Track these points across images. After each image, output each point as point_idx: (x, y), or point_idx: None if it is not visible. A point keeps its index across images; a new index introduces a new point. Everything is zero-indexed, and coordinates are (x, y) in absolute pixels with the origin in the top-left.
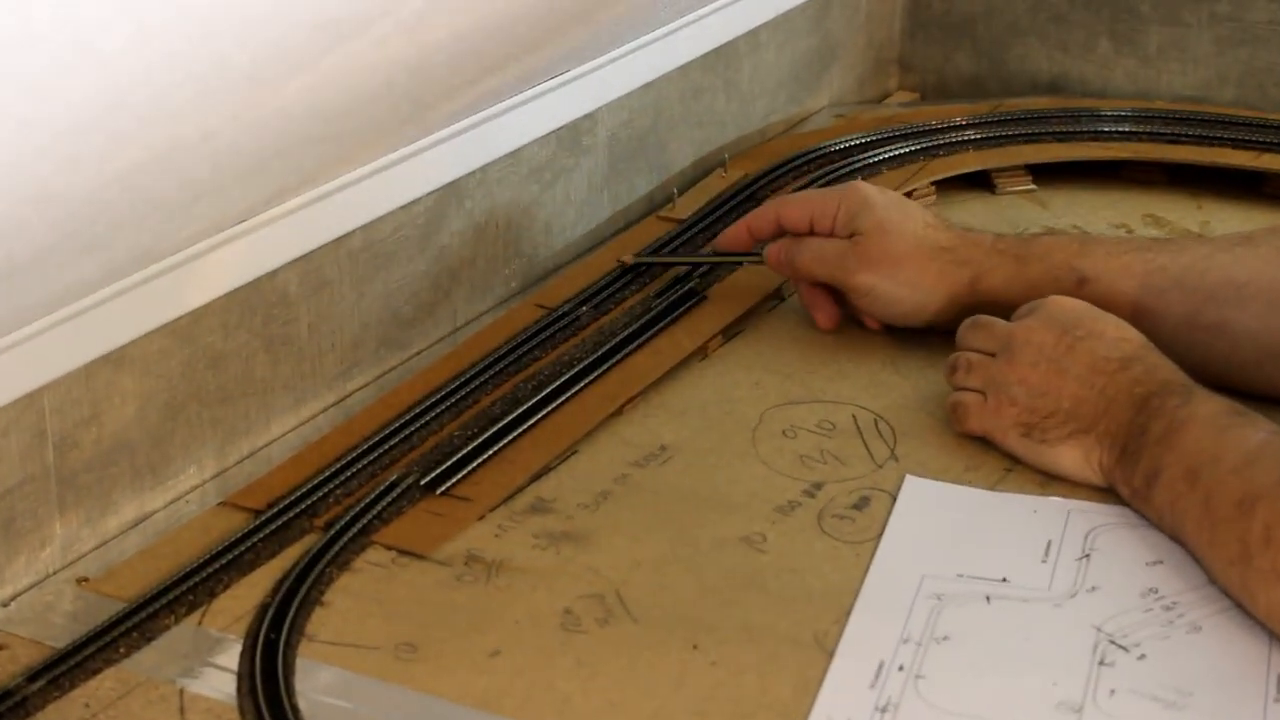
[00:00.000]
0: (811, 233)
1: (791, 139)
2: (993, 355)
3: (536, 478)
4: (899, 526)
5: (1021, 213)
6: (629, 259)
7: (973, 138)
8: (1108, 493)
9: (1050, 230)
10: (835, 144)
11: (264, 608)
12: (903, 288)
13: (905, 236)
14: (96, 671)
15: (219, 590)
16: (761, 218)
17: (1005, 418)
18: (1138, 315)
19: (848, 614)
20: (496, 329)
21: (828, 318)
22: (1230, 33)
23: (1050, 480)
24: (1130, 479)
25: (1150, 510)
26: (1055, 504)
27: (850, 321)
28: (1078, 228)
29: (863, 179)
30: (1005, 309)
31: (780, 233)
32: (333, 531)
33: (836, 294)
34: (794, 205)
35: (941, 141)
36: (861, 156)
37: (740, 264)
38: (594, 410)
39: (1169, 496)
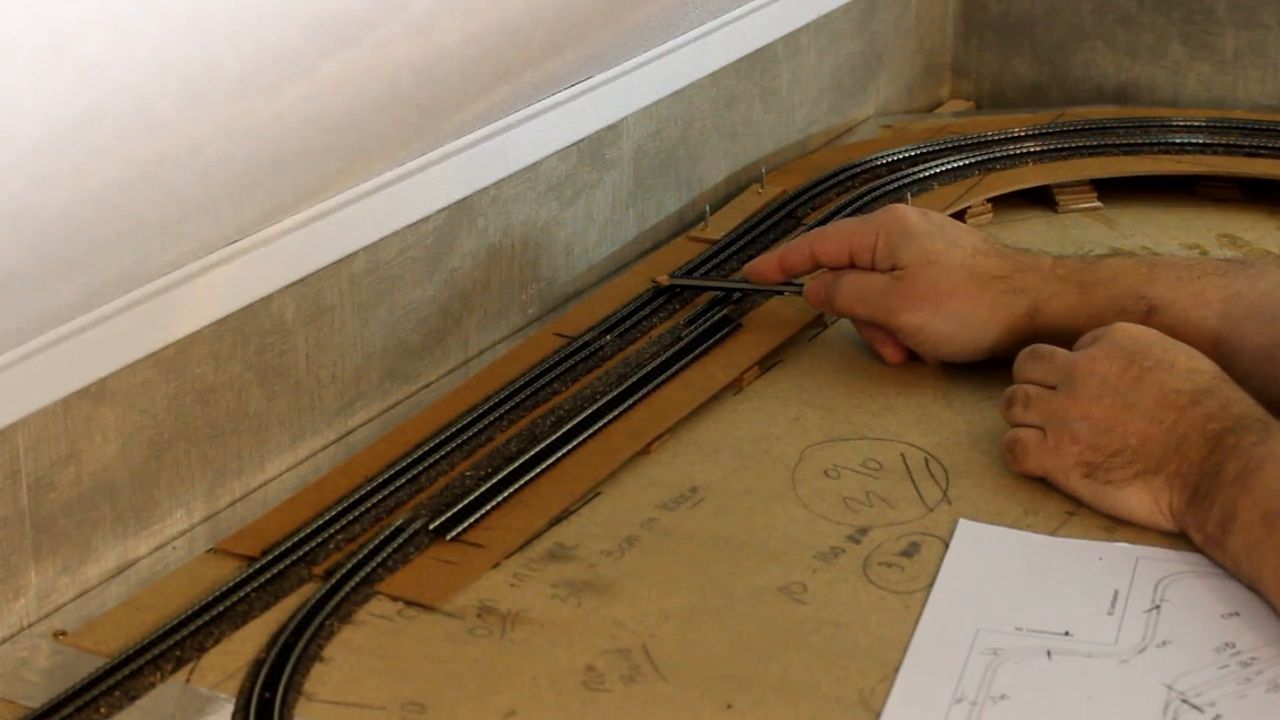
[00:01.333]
0: (852, 265)
1: (834, 152)
2: (1053, 388)
3: (556, 522)
4: (952, 575)
5: (1086, 232)
6: (663, 279)
7: (1033, 150)
8: (1179, 538)
9: (1117, 251)
10: (882, 157)
11: (258, 664)
12: (953, 324)
13: (952, 268)
14: None
15: (209, 645)
16: (796, 253)
17: (1067, 456)
18: (1212, 346)
19: (896, 671)
20: (512, 359)
21: (894, 351)
22: None
23: (1116, 525)
24: (1203, 523)
25: (1225, 557)
26: (1122, 551)
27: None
28: (1147, 248)
29: (911, 196)
30: (1068, 340)
31: (816, 267)
32: (333, 580)
33: None
34: (829, 239)
35: (998, 154)
36: (911, 171)
37: (780, 293)
38: (619, 448)
39: (1246, 542)
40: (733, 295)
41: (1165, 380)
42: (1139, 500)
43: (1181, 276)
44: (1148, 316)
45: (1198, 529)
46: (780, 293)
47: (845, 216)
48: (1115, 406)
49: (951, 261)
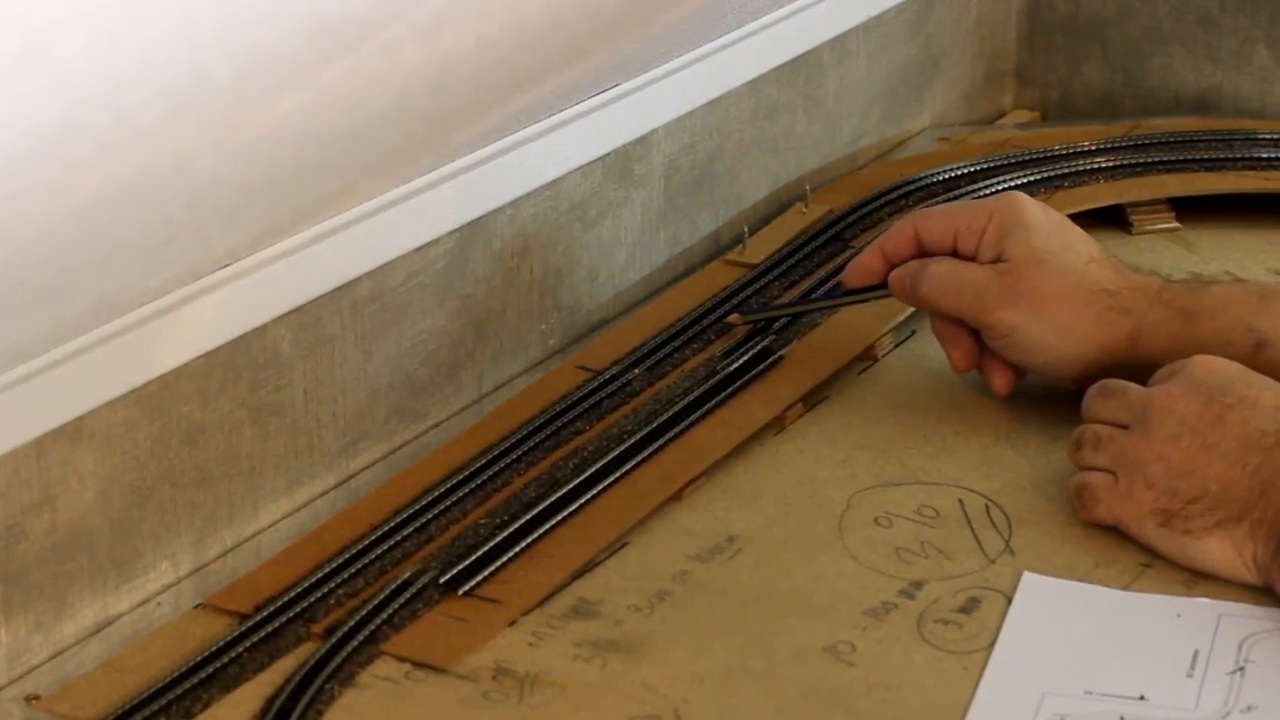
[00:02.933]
0: (954, 253)
1: (886, 167)
2: (1126, 427)
3: (579, 575)
4: (1015, 633)
5: (1162, 256)
6: (737, 319)
7: (1104, 166)
8: (1265, 593)
9: (1230, 275)
10: (938, 173)
11: None
12: (1051, 333)
13: (1063, 272)
14: None
15: (196, 710)
16: (898, 236)
17: (1140, 503)
18: None
19: None
20: (531, 396)
21: (964, 355)
22: None
23: (1196, 578)
24: None
25: None
26: (1202, 606)
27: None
28: (1230, 274)
29: None
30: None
31: (920, 252)
32: (334, 640)
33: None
34: (936, 219)
35: (1066, 170)
36: (969, 189)
37: (866, 300)
38: (648, 494)
39: None
40: (809, 315)
41: (1249, 418)
42: (1220, 551)
43: None
44: (1256, 353)
45: None
46: (866, 300)
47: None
48: (1194, 448)
49: (1063, 265)
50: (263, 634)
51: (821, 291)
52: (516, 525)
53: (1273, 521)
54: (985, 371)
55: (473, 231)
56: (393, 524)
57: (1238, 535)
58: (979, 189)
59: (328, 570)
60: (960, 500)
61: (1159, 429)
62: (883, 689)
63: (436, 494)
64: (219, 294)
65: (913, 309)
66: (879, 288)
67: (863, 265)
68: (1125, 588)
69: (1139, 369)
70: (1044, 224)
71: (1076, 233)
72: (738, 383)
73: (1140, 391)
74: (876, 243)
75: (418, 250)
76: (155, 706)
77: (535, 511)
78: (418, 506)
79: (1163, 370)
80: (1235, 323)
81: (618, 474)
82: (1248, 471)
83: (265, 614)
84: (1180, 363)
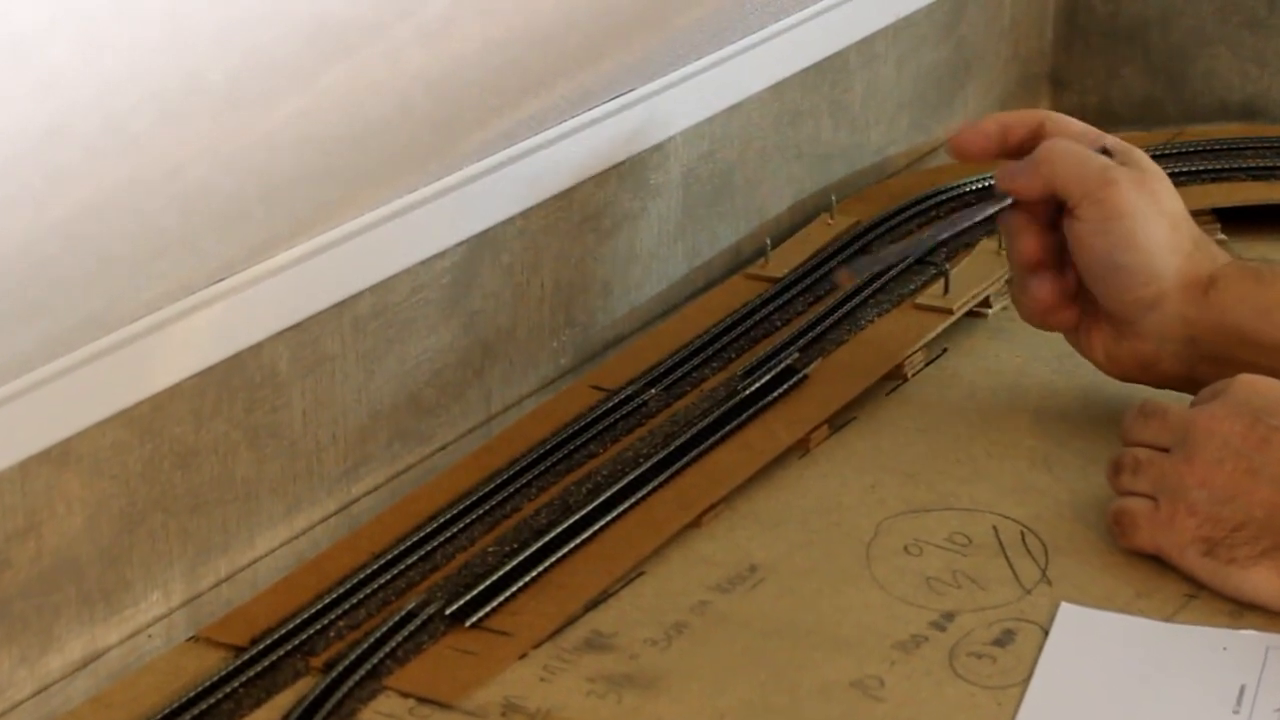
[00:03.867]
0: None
1: (916, 176)
2: (1167, 450)
3: (592, 606)
4: (1052, 667)
5: None
6: (846, 278)
7: None
8: None
9: None
10: (970, 183)
11: None
12: (1152, 237)
13: (1176, 199)
14: None
15: None
16: (1023, 116)
17: (1183, 531)
18: None
19: None
20: (541, 417)
21: (1033, 246)
22: None
23: (1242, 609)
24: None
25: None
26: (1250, 639)
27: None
28: None
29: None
30: (1233, 335)
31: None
32: (334, 674)
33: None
34: (1067, 124)
35: None
36: (1004, 199)
37: (992, 218)
38: (665, 521)
39: None
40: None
41: None
42: (1267, 582)
43: None
44: None
45: None
46: (983, 218)
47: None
48: (1238, 472)
49: (1175, 196)
50: (259, 668)
51: (929, 235)
52: (527, 554)
53: None
54: (1013, 236)
55: (480, 244)
56: (396, 552)
57: None
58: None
59: (328, 601)
60: (994, 527)
61: (1202, 453)
62: None
63: (442, 521)
64: (213, 309)
65: (943, 325)
66: (1002, 203)
67: (982, 129)
68: (1168, 619)
69: (1205, 324)
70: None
71: None
72: (760, 403)
73: (1182, 413)
74: (998, 115)
75: (422, 264)
76: None
77: (546, 539)
78: (423, 534)
79: (1205, 390)
80: None
81: (633, 500)
82: None
83: (262, 647)
84: (1224, 382)
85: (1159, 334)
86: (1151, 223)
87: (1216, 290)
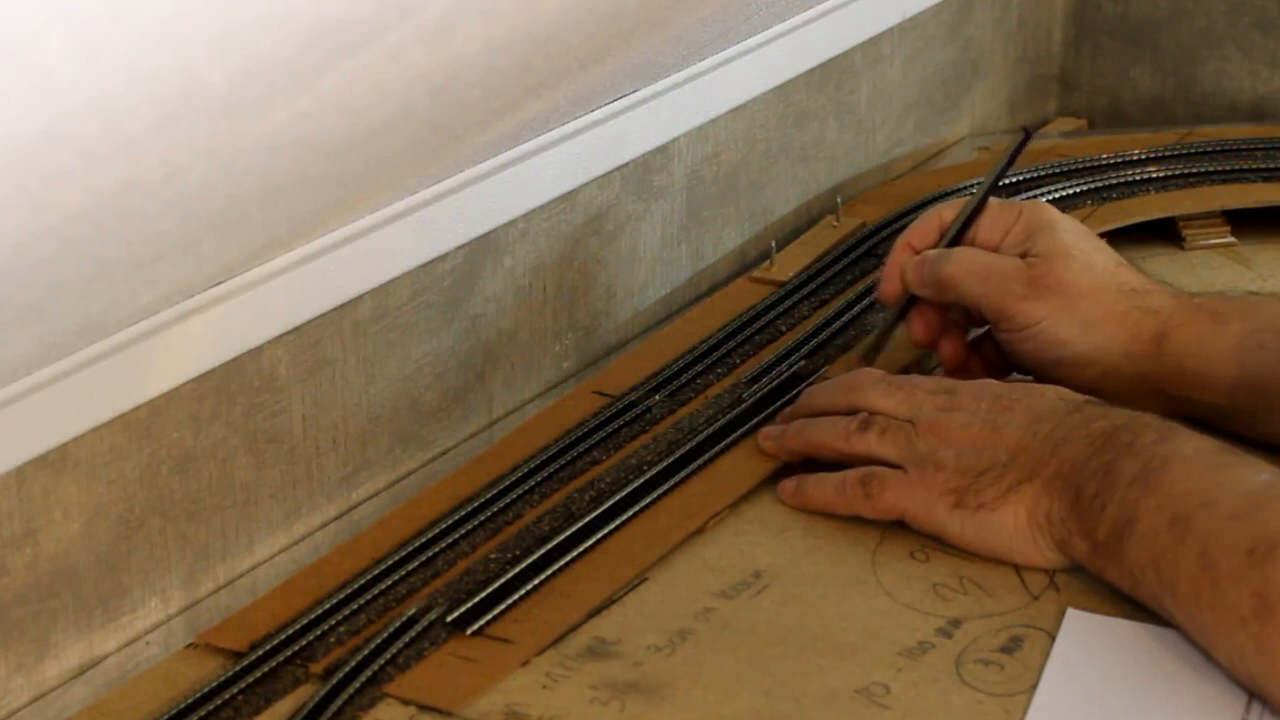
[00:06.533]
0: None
1: (922, 178)
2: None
3: (596, 613)
4: (1059, 674)
5: (1217, 272)
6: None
7: (1154, 176)
8: None
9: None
10: (978, 184)
11: None
12: (1075, 327)
13: (1092, 268)
14: None
15: None
16: (924, 228)
17: (931, 487)
18: None
19: None
20: (544, 422)
21: (926, 328)
22: None
23: None
24: (1092, 530)
25: (1119, 569)
26: None
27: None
28: None
29: None
30: (1192, 378)
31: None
32: (334, 681)
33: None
34: (959, 207)
35: (1115, 181)
36: (1009, 199)
37: (905, 312)
38: (669, 528)
39: (1150, 551)
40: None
41: (1037, 404)
42: (1014, 518)
43: None
44: None
45: (1085, 536)
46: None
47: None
48: (985, 430)
49: (1092, 262)
50: (258, 675)
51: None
52: (529, 560)
53: (1068, 474)
54: (912, 321)
55: (482, 247)
56: (397, 558)
57: (1030, 495)
58: (1022, 199)
59: (328, 607)
60: None
61: (949, 421)
62: None
63: (444, 526)
64: (212, 313)
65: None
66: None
67: (895, 267)
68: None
69: (1163, 376)
70: (1072, 227)
71: (1098, 240)
72: (765, 411)
73: (931, 387)
74: (902, 239)
75: (423, 267)
76: None
77: (549, 546)
78: (424, 540)
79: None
80: (1267, 324)
81: (637, 507)
82: (1039, 437)
83: (261, 654)
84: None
85: (1125, 394)
86: (1072, 314)
87: (1169, 341)
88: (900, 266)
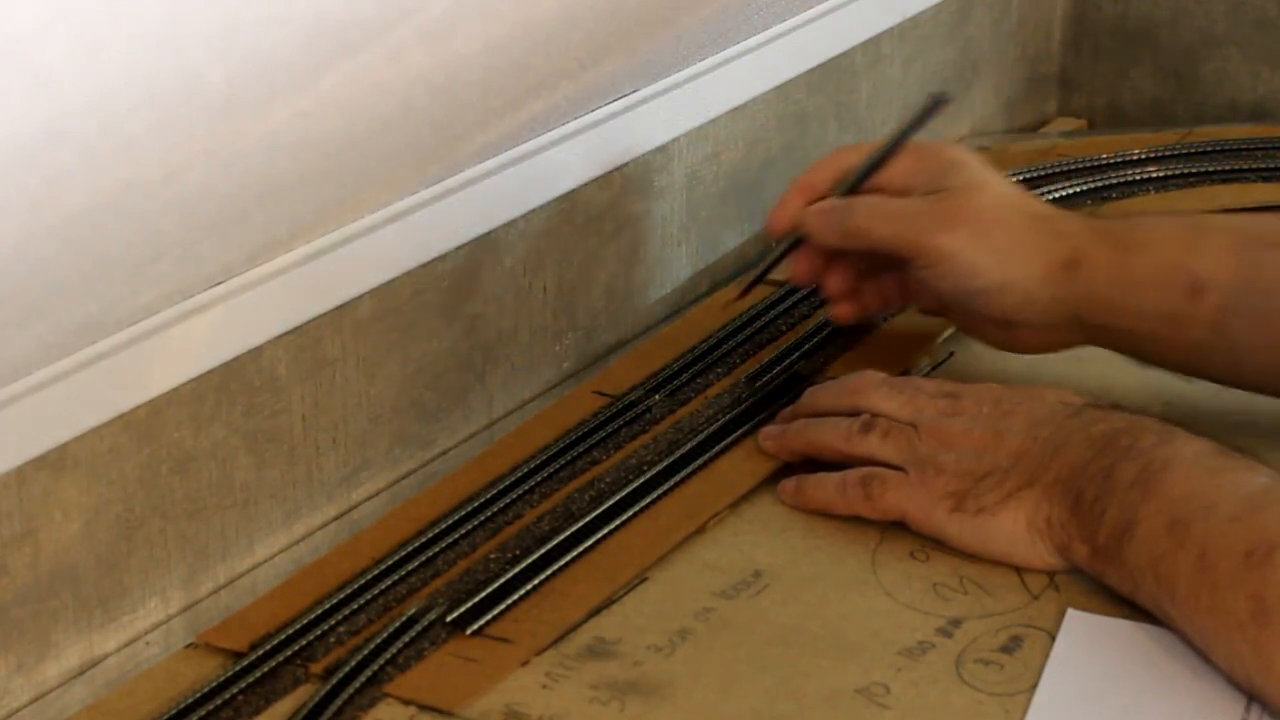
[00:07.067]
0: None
1: None
2: (912, 425)
3: (596, 613)
4: (1059, 674)
5: None
6: (733, 297)
7: (1154, 175)
8: None
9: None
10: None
11: None
12: (990, 255)
13: (1001, 197)
14: None
15: None
16: (822, 170)
17: (932, 489)
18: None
19: None
20: (544, 422)
21: (809, 266)
22: None
23: None
24: (1092, 534)
25: (1119, 573)
26: None
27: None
28: None
29: None
30: (1104, 307)
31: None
32: (334, 680)
33: (879, 281)
34: (865, 152)
35: (1115, 180)
36: None
37: (789, 252)
38: (670, 528)
39: (1150, 554)
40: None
41: (1037, 409)
42: (1014, 522)
43: (1230, 244)
44: (1193, 297)
45: (1085, 540)
46: (789, 252)
47: None
48: (986, 434)
49: (1001, 191)
50: (258, 675)
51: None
52: (529, 560)
53: (1068, 479)
54: (829, 292)
55: (482, 246)
56: (397, 558)
57: (1030, 500)
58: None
59: (328, 607)
60: None
61: (951, 425)
62: None
63: (444, 526)
64: (212, 313)
65: (950, 329)
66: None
67: (787, 207)
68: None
69: (1077, 302)
70: (979, 161)
71: (1006, 177)
72: (765, 411)
73: (934, 390)
74: (797, 181)
75: (423, 266)
76: None
77: (549, 546)
78: (424, 539)
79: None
80: (1171, 262)
81: (637, 507)
82: (1039, 442)
83: (261, 653)
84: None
85: (1041, 322)
86: (986, 242)
87: (1081, 268)
88: (793, 205)
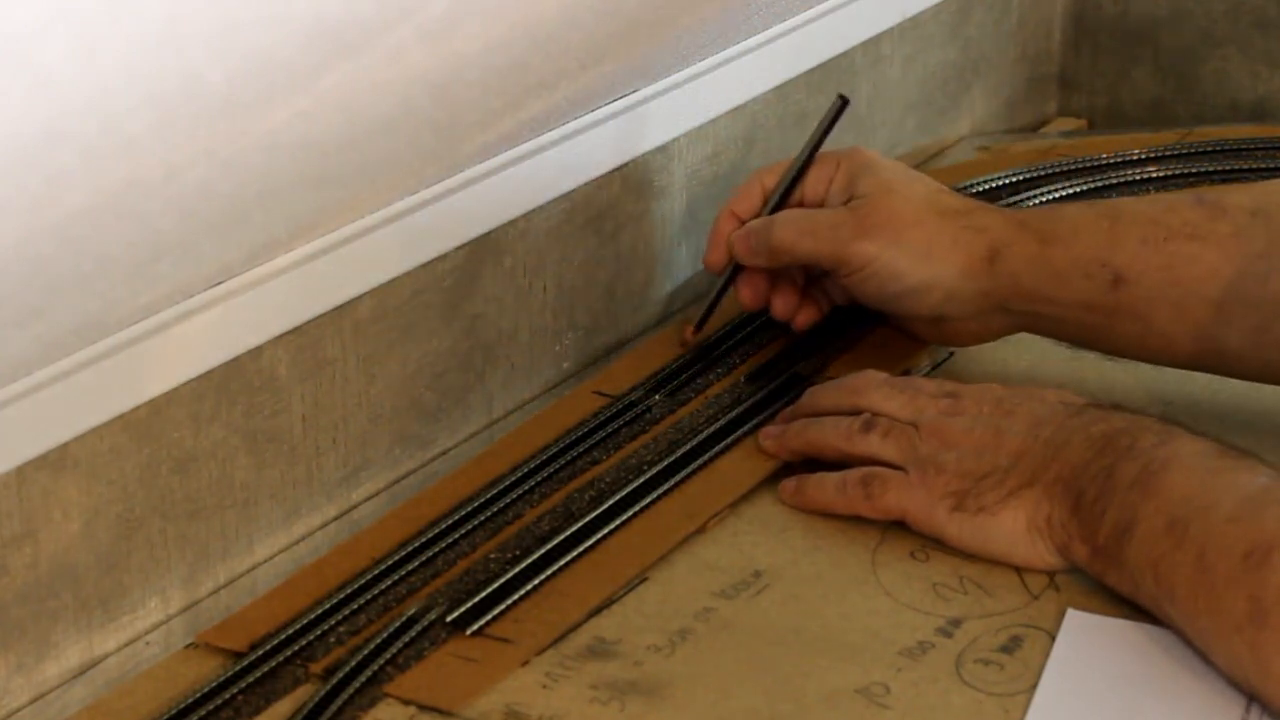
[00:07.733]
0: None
1: None
2: (913, 424)
3: (596, 613)
4: (1059, 675)
5: None
6: (689, 335)
7: (1154, 176)
8: None
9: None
10: (978, 184)
11: None
12: (909, 257)
13: (913, 199)
14: None
15: None
16: (746, 197)
17: (932, 489)
18: (1197, 328)
19: None
20: (544, 422)
21: (753, 292)
22: None
23: None
24: (1093, 533)
25: (1120, 573)
26: None
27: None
28: None
29: None
30: (1028, 296)
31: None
32: (334, 680)
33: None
34: (781, 170)
35: (1115, 181)
36: (1011, 200)
37: (731, 281)
38: (670, 528)
39: (1149, 554)
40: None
41: (1038, 409)
42: (1014, 521)
43: (1147, 236)
44: (1114, 289)
45: (1085, 539)
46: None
47: None
48: (987, 434)
49: (913, 193)
50: (258, 675)
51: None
52: (529, 560)
53: (1069, 478)
54: (740, 287)
55: (482, 247)
56: (397, 558)
57: (1030, 500)
58: (1021, 200)
59: (328, 607)
60: None
61: (952, 425)
62: None
63: (444, 526)
64: (212, 313)
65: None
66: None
67: (721, 236)
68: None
69: (1000, 294)
70: (890, 163)
71: (917, 172)
72: (766, 411)
73: (933, 391)
74: (725, 209)
75: (423, 267)
76: None
77: (549, 546)
78: (424, 539)
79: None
80: (1090, 255)
81: (637, 507)
82: (1040, 442)
83: (261, 653)
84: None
85: (970, 314)
86: (904, 245)
87: (1001, 260)
88: (725, 235)
